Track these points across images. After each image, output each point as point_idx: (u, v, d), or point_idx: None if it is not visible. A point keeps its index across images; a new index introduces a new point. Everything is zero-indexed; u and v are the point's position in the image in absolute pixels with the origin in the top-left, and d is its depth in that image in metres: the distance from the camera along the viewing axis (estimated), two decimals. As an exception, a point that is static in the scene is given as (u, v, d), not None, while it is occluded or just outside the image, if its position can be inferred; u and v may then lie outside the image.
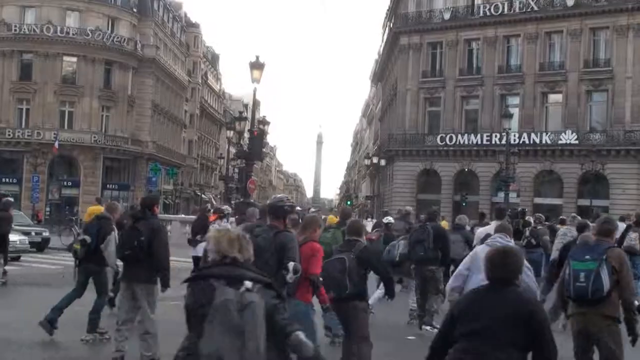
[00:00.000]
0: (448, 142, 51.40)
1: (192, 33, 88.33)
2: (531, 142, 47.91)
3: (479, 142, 50.04)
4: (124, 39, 63.08)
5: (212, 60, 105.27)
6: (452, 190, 51.87)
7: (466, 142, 50.80)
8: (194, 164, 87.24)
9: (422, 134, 53.42)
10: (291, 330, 3.64)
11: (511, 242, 7.75)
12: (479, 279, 5.77)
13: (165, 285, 8.66)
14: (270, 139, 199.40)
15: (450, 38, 52.49)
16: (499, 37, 50.73)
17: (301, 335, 3.63)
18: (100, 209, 22.58)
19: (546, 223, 17.36)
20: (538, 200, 48.32)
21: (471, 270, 7.27)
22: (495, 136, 48.14)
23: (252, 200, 29.44)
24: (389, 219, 15.98)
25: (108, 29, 62.63)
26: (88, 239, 9.98)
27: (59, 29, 59.94)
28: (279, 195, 8.05)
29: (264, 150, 34.38)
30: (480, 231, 12.08)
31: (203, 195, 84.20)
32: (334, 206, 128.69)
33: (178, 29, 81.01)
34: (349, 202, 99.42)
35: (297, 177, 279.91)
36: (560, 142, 47.39)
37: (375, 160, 60.68)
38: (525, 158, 45.24)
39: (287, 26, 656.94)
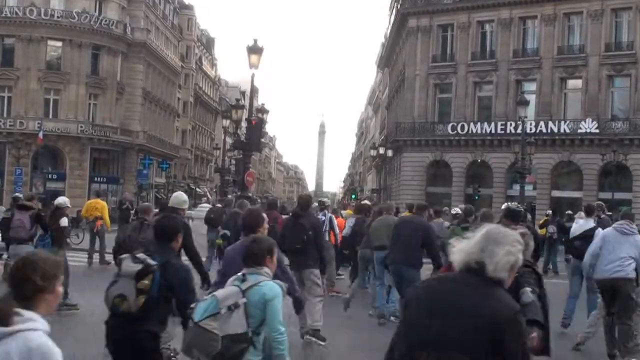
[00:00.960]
0: (459, 132, 51.36)
1: (185, 15, 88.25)
2: (549, 131, 47.86)
3: (493, 132, 50.00)
4: (113, 22, 63.02)
5: (207, 44, 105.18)
6: (463, 183, 51.86)
7: (479, 132, 50.75)
8: (187, 156, 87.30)
9: (431, 123, 53.37)
10: None
11: (635, 229, 10.03)
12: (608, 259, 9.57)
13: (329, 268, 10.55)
14: (270, 128, 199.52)
15: (462, 20, 52.39)
16: (515, 18, 50.63)
17: None
18: (100, 202, 22.64)
19: (608, 213, 17.99)
20: (556, 193, 48.34)
21: (602, 250, 9.68)
22: (510, 125, 48.09)
23: (250, 194, 29.44)
24: (456, 210, 17.22)
25: (95, 11, 62.58)
26: (228, 233, 12.26)
27: (42, 11, 59.90)
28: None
29: (262, 140, 34.38)
30: (576, 227, 12.83)
31: (198, 189, 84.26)
32: (339, 200, 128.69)
33: (170, 11, 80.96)
34: (353, 196, 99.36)
35: (298, 169, 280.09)
36: (579, 131, 47.33)
37: (381, 150, 60.47)
38: (543, 148, 45.22)
39: (287, 7, 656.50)
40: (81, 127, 60.08)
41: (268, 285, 5.00)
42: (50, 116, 59.82)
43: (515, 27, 50.71)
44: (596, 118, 46.93)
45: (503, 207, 9.38)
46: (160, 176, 73.40)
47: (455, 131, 51.55)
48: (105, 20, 62.53)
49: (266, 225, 6.99)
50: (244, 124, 37.40)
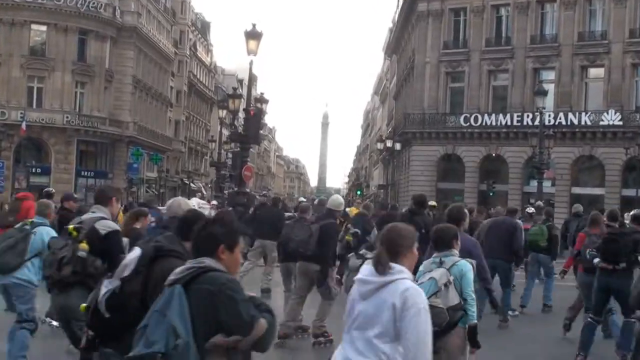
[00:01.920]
0: (473, 123, 51.32)
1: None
2: (568, 123, 47.80)
3: (509, 123, 49.95)
4: (101, 5, 63.00)
5: (202, 29, 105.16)
6: (477, 179, 51.85)
7: (494, 123, 50.70)
8: (181, 148, 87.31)
9: (442, 114, 53.36)
10: None
11: None
12: None
13: None
14: (269, 119, 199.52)
15: (476, 3, 52.33)
16: (532, 2, 50.55)
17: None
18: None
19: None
20: (576, 190, 48.26)
21: None
22: (527, 116, 48.05)
23: (247, 190, 29.46)
24: (531, 209, 18.83)
25: (82, -7, 62.55)
26: (358, 231, 13.82)
27: (26, -7, 59.92)
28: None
29: (261, 132, 34.38)
30: None
31: (192, 184, 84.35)
32: (344, 196, 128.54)
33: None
34: (359, 192, 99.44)
35: (300, 163, 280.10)
36: (601, 123, 47.26)
37: (389, 143, 60.48)
38: (562, 141, 45.17)
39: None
40: (67, 117, 60.11)
41: (462, 263, 6.77)
42: (34, 106, 59.86)
43: (533, 11, 50.62)
44: (619, 109, 46.86)
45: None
46: (151, 170, 73.42)
47: (468, 123, 51.50)
48: (93, 3, 62.49)
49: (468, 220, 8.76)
50: (241, 115, 37.35)
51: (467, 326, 6.73)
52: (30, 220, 8.87)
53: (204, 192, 78.54)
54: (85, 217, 7.37)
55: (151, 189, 71.50)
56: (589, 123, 47.73)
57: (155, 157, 68.56)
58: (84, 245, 6.99)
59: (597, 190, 47.12)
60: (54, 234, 8.80)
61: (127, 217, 9.11)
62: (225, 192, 44.64)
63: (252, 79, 26.23)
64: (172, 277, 3.87)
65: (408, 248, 4.40)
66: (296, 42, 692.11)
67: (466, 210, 8.87)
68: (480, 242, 14.42)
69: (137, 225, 8.55)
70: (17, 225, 8.85)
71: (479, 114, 51.23)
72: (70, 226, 7.20)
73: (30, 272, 8.67)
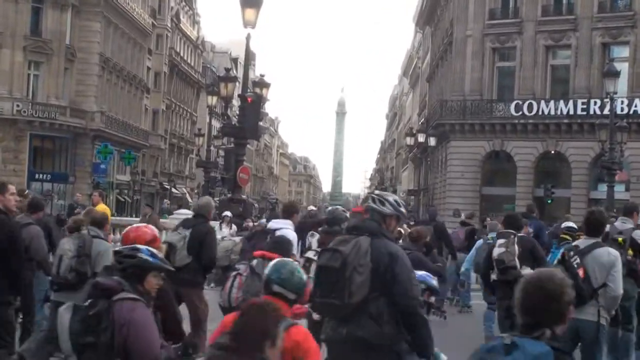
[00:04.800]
0: (526, 112, 51.31)
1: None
2: (646, 111, 47.79)
3: (571, 113, 49.92)
4: (60, -35, 63.29)
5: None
6: (532, 182, 51.81)
7: (552, 113, 50.68)
8: (160, 145, 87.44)
9: (488, 101, 53.37)
10: None
11: None
12: None
13: None
14: (271, 108, 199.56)
15: (530, -38, 52.43)
16: (601, -40, 50.62)
17: None
18: (105, 208, 22.92)
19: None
20: (657, 195, 48.16)
21: None
22: (595, 103, 48.02)
23: (244, 197, 29.56)
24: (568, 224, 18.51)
25: (37, -49, 62.83)
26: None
27: (-34, -49, 60.22)
28: None
29: (261, 124, 34.43)
30: None
31: (174, 190, 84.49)
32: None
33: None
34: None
35: (309, 162, 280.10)
36: (688, 111, 47.21)
37: (421, 138, 60.57)
38: (638, 135, 45.11)
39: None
40: (17, 106, 60.34)
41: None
42: (-23, 91, 60.18)
43: (602, -29, 50.70)
44: None
45: None
46: (123, 172, 73.55)
47: (520, 112, 51.49)
48: (50, -37, 62.78)
49: None
50: (236, 103, 37.43)
51: None
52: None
53: (190, 199, 78.61)
54: None
55: (122, 195, 71.65)
56: (672, 112, 47.69)
57: (127, 156, 68.68)
58: None
59: (683, 197, 46.99)
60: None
61: None
62: (216, 199, 44.85)
63: (249, 57, 26.34)
64: None
65: None
66: (304, 10, 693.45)
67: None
68: None
69: None
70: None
71: (534, 101, 51.19)
72: None
73: None
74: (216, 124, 68.50)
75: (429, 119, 66.01)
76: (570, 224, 18.10)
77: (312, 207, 40.55)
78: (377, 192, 7.84)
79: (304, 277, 6.58)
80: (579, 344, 9.92)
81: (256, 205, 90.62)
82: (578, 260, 9.71)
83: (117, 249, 6.63)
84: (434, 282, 9.26)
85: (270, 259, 7.53)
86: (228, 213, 25.33)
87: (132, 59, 78.34)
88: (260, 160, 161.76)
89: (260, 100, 28.06)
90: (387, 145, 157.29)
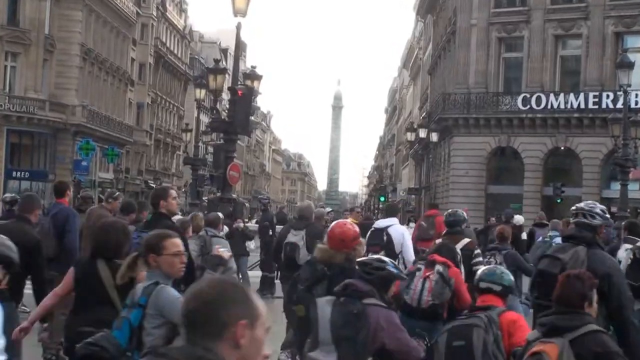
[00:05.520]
0: (534, 106, 51.31)
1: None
2: (662, 105, 47.77)
3: (582, 106, 49.92)
4: (39, -50, 63.25)
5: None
6: (540, 180, 51.81)
7: (562, 106, 50.69)
8: (145, 141, 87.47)
9: (494, 94, 53.35)
10: None
11: None
12: None
13: None
14: (263, 101, 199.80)
15: (538, -54, 52.42)
16: (613, -57, 50.62)
17: None
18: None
19: None
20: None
21: None
22: (607, 97, 48.00)
23: (234, 196, 29.49)
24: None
25: None
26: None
27: None
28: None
29: (252, 119, 34.47)
30: None
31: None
32: (360, 204, 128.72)
33: None
34: (382, 198, 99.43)
35: (303, 160, 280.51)
36: None
37: (422, 133, 60.49)
38: (654, 130, 45.06)
39: None
40: (-6, 99, 60.35)
41: None
42: (-50, 84, 60.13)
43: (615, -45, 50.71)
44: None
45: None
46: (106, 170, 73.56)
47: (528, 106, 51.48)
48: (28, -52, 62.74)
49: None
50: (225, 96, 37.36)
51: None
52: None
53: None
54: None
55: (106, 194, 71.52)
56: (689, 105, 47.68)
57: (110, 153, 68.69)
58: None
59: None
60: None
61: None
62: (205, 198, 44.81)
63: (240, 47, 26.26)
64: None
65: None
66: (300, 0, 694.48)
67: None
68: None
69: None
70: None
71: (543, 94, 51.19)
72: None
73: None
74: (204, 119, 68.56)
75: (431, 113, 66.00)
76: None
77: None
78: (583, 206, 8.55)
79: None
80: None
81: (247, 204, 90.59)
82: None
83: (363, 260, 7.96)
84: None
85: (442, 263, 9.92)
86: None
87: (116, 50, 78.33)
88: (251, 157, 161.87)
89: (251, 93, 27.98)
90: (387, 141, 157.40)
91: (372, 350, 7.33)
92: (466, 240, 12.76)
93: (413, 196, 76.05)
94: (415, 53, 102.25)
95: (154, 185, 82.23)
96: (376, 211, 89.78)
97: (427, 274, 10.09)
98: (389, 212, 16.90)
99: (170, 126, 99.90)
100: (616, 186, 39.63)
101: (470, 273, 11.86)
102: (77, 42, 67.50)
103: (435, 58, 71.83)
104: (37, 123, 62.66)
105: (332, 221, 17.25)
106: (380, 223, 15.83)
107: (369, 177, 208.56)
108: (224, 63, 40.58)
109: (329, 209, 30.04)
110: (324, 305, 7.25)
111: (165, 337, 6.65)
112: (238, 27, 24.79)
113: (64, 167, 64.65)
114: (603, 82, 49.23)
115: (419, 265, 10.45)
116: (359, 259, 8.06)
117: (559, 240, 17.32)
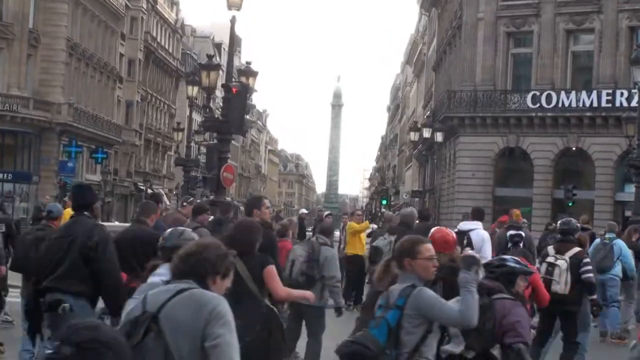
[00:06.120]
0: (544, 104, 51.35)
1: None
2: (679, 103, 47.81)
3: (595, 105, 49.97)
4: (23, -60, 63.28)
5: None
6: (550, 182, 51.87)
7: (573, 105, 50.73)
8: (134, 141, 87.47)
9: (502, 92, 53.40)
10: None
11: None
12: None
13: None
14: (259, 99, 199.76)
15: (549, -64, 52.47)
16: None
17: None
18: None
19: None
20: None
21: None
22: (621, 94, 48.05)
23: (228, 199, 29.50)
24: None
25: None
26: None
27: None
28: None
29: (247, 117, 34.49)
30: None
31: (150, 191, 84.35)
32: (361, 207, 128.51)
33: None
34: (384, 201, 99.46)
35: (301, 161, 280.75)
36: None
37: (426, 133, 60.53)
38: (670, 130, 45.13)
39: None
40: (-25, 97, 60.37)
41: None
42: None
43: (629, -54, 50.75)
44: None
45: None
46: (93, 171, 73.53)
47: (538, 104, 51.53)
48: (11, -63, 62.80)
49: None
50: (219, 94, 37.33)
51: None
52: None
53: (167, 201, 78.47)
54: None
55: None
56: None
57: (98, 153, 68.79)
58: None
59: None
60: None
61: None
62: (197, 201, 44.83)
63: (234, 42, 26.25)
64: None
65: None
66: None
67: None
68: None
69: None
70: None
71: (553, 92, 51.24)
72: None
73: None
74: (197, 118, 68.59)
75: (436, 112, 66.04)
76: None
77: (303, 210, 40.53)
78: None
79: None
80: None
81: (242, 208, 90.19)
82: None
83: (486, 261, 9.24)
84: None
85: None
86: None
87: (103, 45, 78.37)
88: (246, 158, 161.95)
89: (246, 90, 27.96)
90: (389, 142, 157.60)
91: (499, 339, 8.35)
92: (576, 249, 13.78)
93: (417, 199, 76.00)
94: (419, 48, 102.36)
95: (143, 188, 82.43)
96: (378, 215, 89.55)
97: None
98: (475, 216, 17.58)
99: (161, 125, 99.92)
100: (630, 189, 39.67)
101: (578, 281, 13.59)
102: (63, 36, 67.49)
103: (440, 54, 71.90)
104: (21, 122, 62.66)
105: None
106: (463, 226, 16.63)
107: (370, 179, 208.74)
108: (217, 59, 40.48)
109: (327, 212, 29.95)
110: (454, 304, 7.69)
111: (422, 335, 7.53)
112: (232, 20, 24.80)
113: (48, 169, 64.76)
114: (617, 79, 49.29)
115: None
116: (483, 262, 8.79)
117: (619, 242, 19.56)
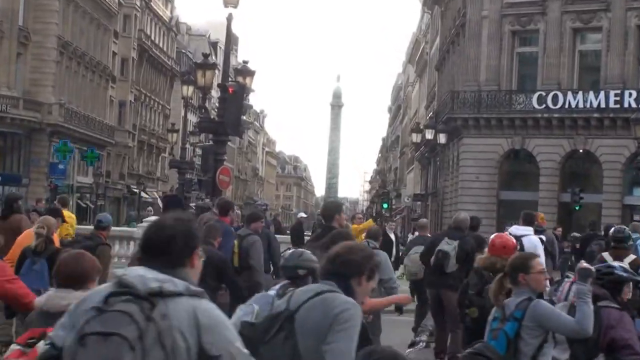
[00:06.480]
0: (551, 105, 51.36)
1: None
2: (690, 104, 47.85)
3: (602, 105, 49.96)
4: None
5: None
6: (557, 185, 51.86)
7: (581, 105, 50.72)
8: (128, 142, 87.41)
9: (507, 92, 53.40)
10: None
11: None
12: None
13: None
14: (256, 100, 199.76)
15: None
16: None
17: None
18: (71, 215, 22.82)
19: None
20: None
21: None
22: (630, 95, 48.07)
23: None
24: None
25: None
26: None
27: None
28: None
29: (244, 118, 34.47)
30: None
31: (144, 194, 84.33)
32: (362, 210, 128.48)
33: None
34: (385, 205, 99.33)
35: (300, 163, 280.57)
36: None
37: (429, 135, 60.53)
38: (680, 131, 45.15)
39: None
40: (-37, 97, 60.38)
41: None
42: None
43: (638, -58, 50.78)
44: None
45: None
46: (85, 174, 73.44)
47: (544, 105, 51.53)
48: None
49: None
50: (215, 93, 37.35)
51: None
52: None
53: (160, 203, 78.43)
54: None
55: (84, 200, 71.54)
56: None
57: (90, 155, 68.62)
58: None
59: None
60: None
61: None
62: (192, 204, 44.69)
63: (230, 41, 26.26)
64: None
65: None
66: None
67: None
68: None
69: None
70: None
71: (560, 92, 51.24)
72: None
73: None
74: (192, 118, 68.53)
75: (439, 113, 66.07)
76: None
77: (302, 214, 40.48)
78: None
79: None
80: None
81: (239, 211, 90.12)
82: None
83: (595, 267, 9.13)
84: None
85: None
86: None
87: (96, 43, 78.38)
88: (243, 160, 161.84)
89: (243, 90, 27.99)
90: (390, 143, 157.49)
91: (604, 347, 8.49)
92: (632, 256, 13.69)
93: (419, 203, 76.01)
94: (422, 47, 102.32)
95: (136, 191, 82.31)
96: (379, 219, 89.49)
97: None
98: (526, 221, 17.73)
99: (155, 126, 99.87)
100: (639, 192, 39.70)
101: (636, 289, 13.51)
102: (54, 34, 67.50)
103: (443, 53, 71.90)
104: (10, 123, 62.66)
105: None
106: (515, 231, 16.63)
107: (370, 182, 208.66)
108: (213, 58, 40.47)
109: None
110: (561, 309, 8.34)
111: (539, 345, 8.10)
112: (229, 18, 24.83)
113: (39, 171, 64.74)
114: (625, 79, 49.30)
115: (568, 273, 12.23)
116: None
117: None
